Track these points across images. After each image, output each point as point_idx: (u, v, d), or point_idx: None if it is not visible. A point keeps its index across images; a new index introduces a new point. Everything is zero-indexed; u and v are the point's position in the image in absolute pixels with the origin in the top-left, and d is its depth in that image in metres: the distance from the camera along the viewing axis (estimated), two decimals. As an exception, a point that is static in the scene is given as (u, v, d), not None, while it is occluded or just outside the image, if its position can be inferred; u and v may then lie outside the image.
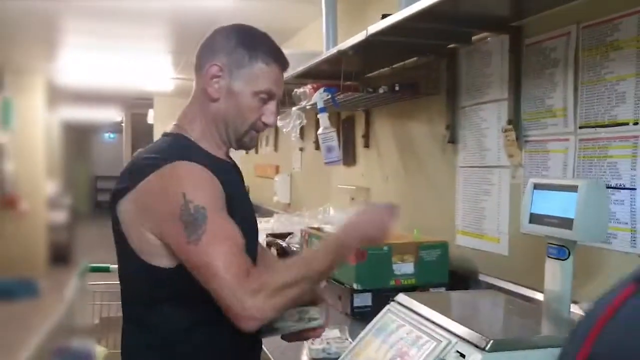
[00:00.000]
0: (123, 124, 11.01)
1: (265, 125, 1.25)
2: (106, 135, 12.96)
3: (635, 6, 1.38)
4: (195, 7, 3.42)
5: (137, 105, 9.19)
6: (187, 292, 1.12)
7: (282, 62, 1.24)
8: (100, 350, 2.22)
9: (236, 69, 1.20)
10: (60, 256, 5.81)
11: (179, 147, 1.19)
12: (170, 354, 1.16)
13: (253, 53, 1.20)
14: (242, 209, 1.23)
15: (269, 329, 1.24)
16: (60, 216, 6.23)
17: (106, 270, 2.42)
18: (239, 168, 1.38)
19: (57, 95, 7.34)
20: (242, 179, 1.38)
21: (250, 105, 1.21)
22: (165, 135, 1.26)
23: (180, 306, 1.15)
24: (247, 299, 1.03)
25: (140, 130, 10.03)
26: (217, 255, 1.05)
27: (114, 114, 10.63)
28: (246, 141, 1.27)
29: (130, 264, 1.15)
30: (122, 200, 1.14)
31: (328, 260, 1.15)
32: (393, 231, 1.25)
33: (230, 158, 1.33)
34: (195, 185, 1.10)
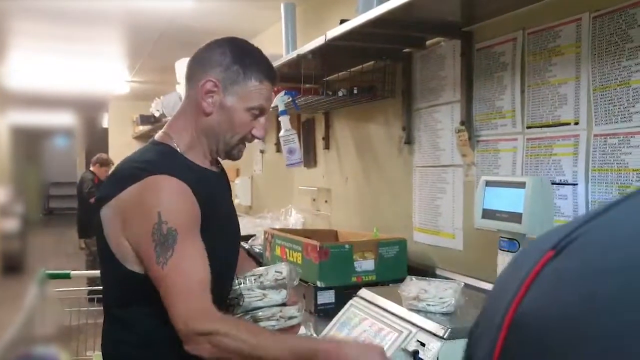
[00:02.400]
0: (75, 129, 10.72)
1: (255, 138, 1.30)
2: (59, 140, 12.59)
3: (574, 14, 1.49)
4: (152, 9, 3.39)
5: (91, 109, 8.97)
6: (159, 296, 1.15)
7: (273, 78, 1.29)
8: (64, 357, 2.19)
9: (230, 85, 1.23)
10: (12, 265, 5.63)
11: (164, 158, 1.21)
12: (147, 351, 1.21)
13: (247, 70, 1.24)
14: (223, 222, 1.28)
15: None
16: (11, 224, 6.03)
17: (67, 277, 2.39)
18: (225, 173, 1.41)
19: (6, 99, 7.10)
20: (229, 185, 1.42)
21: (242, 120, 1.25)
22: (153, 143, 1.29)
23: (154, 307, 1.18)
24: (191, 334, 1.07)
25: (94, 134, 9.80)
26: (180, 284, 1.10)
27: (66, 118, 10.34)
28: (235, 153, 1.31)
29: (111, 267, 1.20)
30: (105, 206, 1.18)
31: (289, 357, 1.07)
32: None
33: (219, 164, 1.37)
34: (171, 204, 1.14)
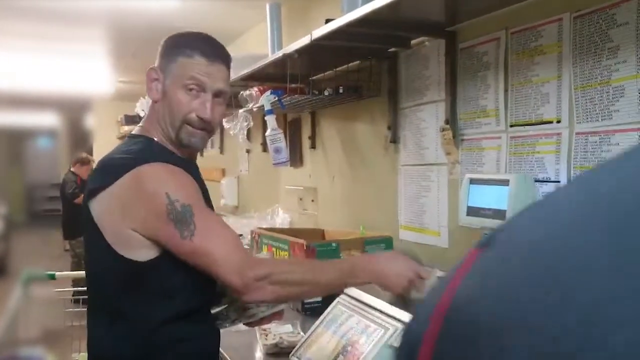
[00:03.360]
0: (59, 130, 10.60)
1: (200, 118, 1.24)
2: (42, 141, 12.44)
3: (556, 14, 1.51)
4: (136, 9, 3.37)
5: (74, 110, 8.88)
6: (161, 287, 1.17)
7: (208, 53, 1.23)
8: (50, 359, 2.17)
9: (167, 68, 1.25)
10: (-5, 268, 5.56)
11: (148, 149, 1.23)
12: (144, 346, 1.19)
13: (178, 49, 1.25)
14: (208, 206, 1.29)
15: (240, 317, 1.32)
16: (-6, 226, 5.95)
17: (51, 278, 2.36)
18: (197, 167, 1.41)
19: (-12, 99, 7.00)
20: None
21: (178, 99, 1.23)
22: (131, 137, 1.30)
23: (155, 300, 1.18)
24: (251, 282, 1.11)
25: (78, 135, 9.69)
26: (216, 246, 1.13)
27: (50, 119, 10.22)
28: (183, 137, 1.25)
29: (105, 259, 1.18)
30: (95, 198, 1.17)
31: (337, 278, 1.20)
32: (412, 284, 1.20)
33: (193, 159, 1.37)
34: (176, 184, 1.15)
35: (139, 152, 1.21)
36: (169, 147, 1.27)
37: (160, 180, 1.15)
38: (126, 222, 1.15)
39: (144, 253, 1.16)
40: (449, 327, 0.30)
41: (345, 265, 1.23)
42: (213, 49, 1.26)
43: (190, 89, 1.23)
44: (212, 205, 1.37)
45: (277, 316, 1.37)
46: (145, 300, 1.18)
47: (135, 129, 1.32)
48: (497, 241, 0.32)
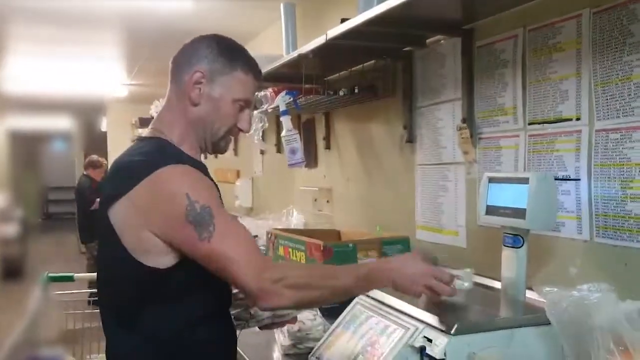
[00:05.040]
0: (73, 133, 10.71)
1: (241, 131, 1.33)
2: (57, 144, 12.57)
3: (574, 10, 1.50)
4: (151, 11, 3.39)
5: (89, 113, 8.96)
6: (179, 293, 1.17)
7: (258, 73, 1.33)
8: (70, 359, 2.19)
9: (217, 76, 1.27)
10: (12, 270, 5.62)
11: (164, 151, 1.22)
12: (164, 354, 1.19)
13: (233, 62, 1.28)
14: None
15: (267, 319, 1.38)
16: (10, 229, 6.02)
17: (70, 279, 2.38)
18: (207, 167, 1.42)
19: (4, 104, 7.09)
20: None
21: (228, 112, 1.28)
22: (143, 139, 1.29)
23: (173, 307, 1.18)
24: (267, 285, 1.11)
25: (92, 138, 9.78)
26: (233, 248, 1.13)
27: (64, 122, 10.32)
28: (222, 145, 1.33)
29: (123, 266, 1.17)
30: (115, 204, 1.16)
31: (353, 283, 1.19)
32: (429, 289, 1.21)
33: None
34: (196, 185, 1.16)
35: (155, 154, 1.20)
36: (185, 149, 1.27)
37: (179, 181, 1.15)
38: (146, 226, 1.14)
39: (163, 260, 1.15)
40: None
41: (362, 270, 1.22)
42: (259, 69, 1.34)
43: (239, 104, 1.29)
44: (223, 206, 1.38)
45: (291, 320, 1.38)
46: (163, 307, 1.18)
47: (147, 132, 1.31)
48: None
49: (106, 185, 1.25)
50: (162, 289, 1.17)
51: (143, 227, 1.14)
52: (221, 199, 1.30)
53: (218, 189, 1.33)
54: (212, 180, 1.31)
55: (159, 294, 1.17)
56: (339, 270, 1.22)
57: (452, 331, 1.15)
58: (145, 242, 1.15)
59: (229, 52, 1.29)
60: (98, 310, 1.30)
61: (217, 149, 1.33)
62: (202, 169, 1.26)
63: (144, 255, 1.15)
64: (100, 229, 1.20)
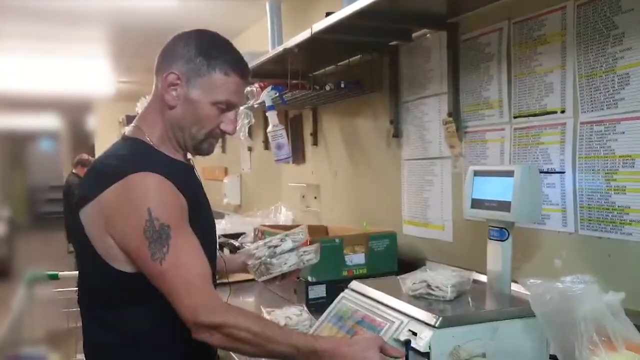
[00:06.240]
0: (61, 131, 10.60)
1: (224, 133, 1.26)
2: (44, 143, 12.44)
3: (559, 3, 1.49)
4: (136, 8, 3.36)
5: (76, 111, 8.87)
6: (149, 295, 1.14)
7: (242, 70, 1.23)
8: (54, 358, 2.17)
9: (194, 77, 1.20)
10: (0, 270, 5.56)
11: (140, 154, 1.19)
12: (134, 353, 1.18)
13: (212, 62, 1.19)
14: (202, 214, 1.25)
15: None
16: (-3, 229, 5.95)
17: (55, 278, 2.35)
18: (196, 170, 1.39)
19: (-11, 102, 7.00)
20: (200, 181, 1.39)
21: (207, 114, 1.22)
22: (124, 139, 1.26)
23: (143, 308, 1.17)
24: (203, 324, 1.07)
25: (79, 136, 9.69)
26: (182, 277, 1.09)
27: (51, 121, 10.21)
28: (204, 147, 1.27)
29: (96, 268, 1.16)
30: (86, 206, 1.14)
31: (290, 354, 1.10)
32: None
33: (189, 160, 1.34)
34: (160, 200, 1.11)
35: (131, 157, 1.17)
36: (164, 149, 1.24)
37: (145, 193, 1.11)
38: (109, 231, 1.12)
39: (127, 265, 1.13)
40: None
41: (308, 344, 1.11)
42: (244, 65, 1.24)
43: (220, 107, 1.22)
44: (209, 204, 1.35)
45: (294, 273, 1.47)
46: (135, 307, 1.17)
47: (129, 129, 1.28)
48: None
49: (80, 187, 1.22)
50: (131, 291, 1.15)
51: (107, 231, 1.13)
52: (205, 196, 1.28)
53: (201, 186, 1.31)
54: (195, 179, 1.28)
55: (128, 295, 1.16)
56: (284, 335, 1.13)
57: (437, 324, 1.14)
58: (110, 247, 1.13)
59: (207, 50, 1.20)
60: None
61: (199, 151, 1.27)
62: (180, 173, 1.21)
63: (112, 259, 1.14)
64: (74, 229, 1.18)
